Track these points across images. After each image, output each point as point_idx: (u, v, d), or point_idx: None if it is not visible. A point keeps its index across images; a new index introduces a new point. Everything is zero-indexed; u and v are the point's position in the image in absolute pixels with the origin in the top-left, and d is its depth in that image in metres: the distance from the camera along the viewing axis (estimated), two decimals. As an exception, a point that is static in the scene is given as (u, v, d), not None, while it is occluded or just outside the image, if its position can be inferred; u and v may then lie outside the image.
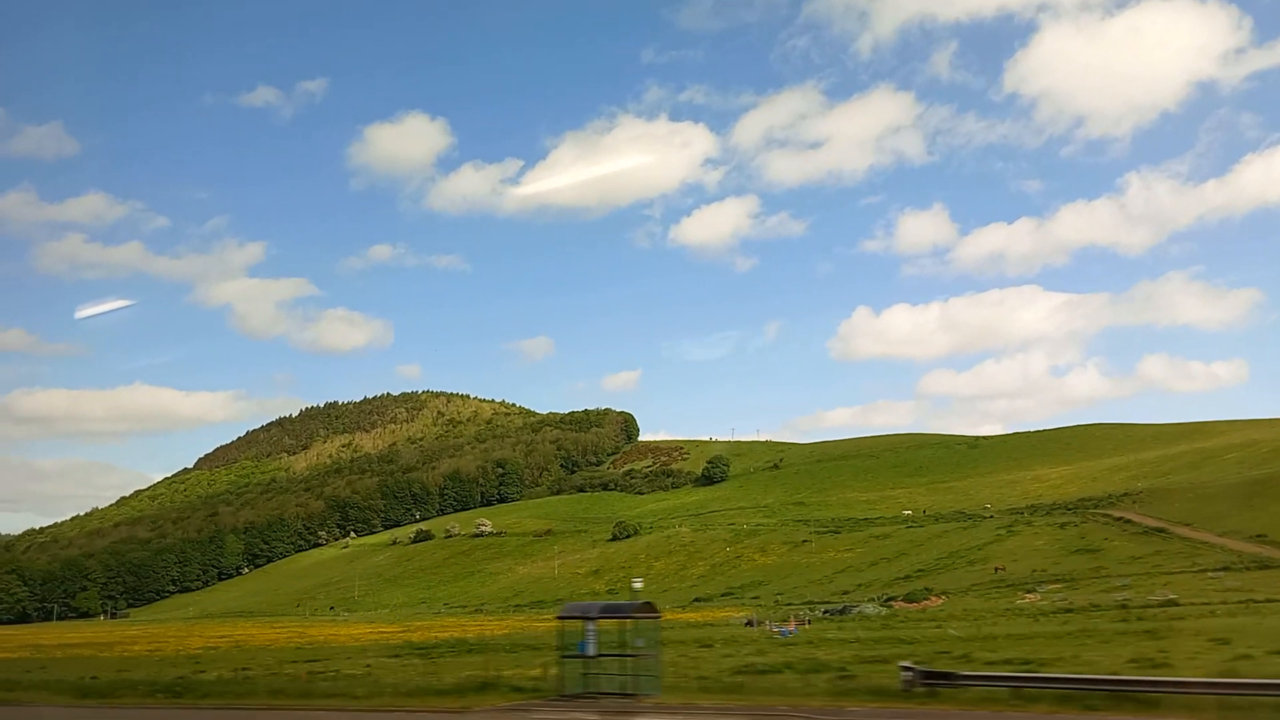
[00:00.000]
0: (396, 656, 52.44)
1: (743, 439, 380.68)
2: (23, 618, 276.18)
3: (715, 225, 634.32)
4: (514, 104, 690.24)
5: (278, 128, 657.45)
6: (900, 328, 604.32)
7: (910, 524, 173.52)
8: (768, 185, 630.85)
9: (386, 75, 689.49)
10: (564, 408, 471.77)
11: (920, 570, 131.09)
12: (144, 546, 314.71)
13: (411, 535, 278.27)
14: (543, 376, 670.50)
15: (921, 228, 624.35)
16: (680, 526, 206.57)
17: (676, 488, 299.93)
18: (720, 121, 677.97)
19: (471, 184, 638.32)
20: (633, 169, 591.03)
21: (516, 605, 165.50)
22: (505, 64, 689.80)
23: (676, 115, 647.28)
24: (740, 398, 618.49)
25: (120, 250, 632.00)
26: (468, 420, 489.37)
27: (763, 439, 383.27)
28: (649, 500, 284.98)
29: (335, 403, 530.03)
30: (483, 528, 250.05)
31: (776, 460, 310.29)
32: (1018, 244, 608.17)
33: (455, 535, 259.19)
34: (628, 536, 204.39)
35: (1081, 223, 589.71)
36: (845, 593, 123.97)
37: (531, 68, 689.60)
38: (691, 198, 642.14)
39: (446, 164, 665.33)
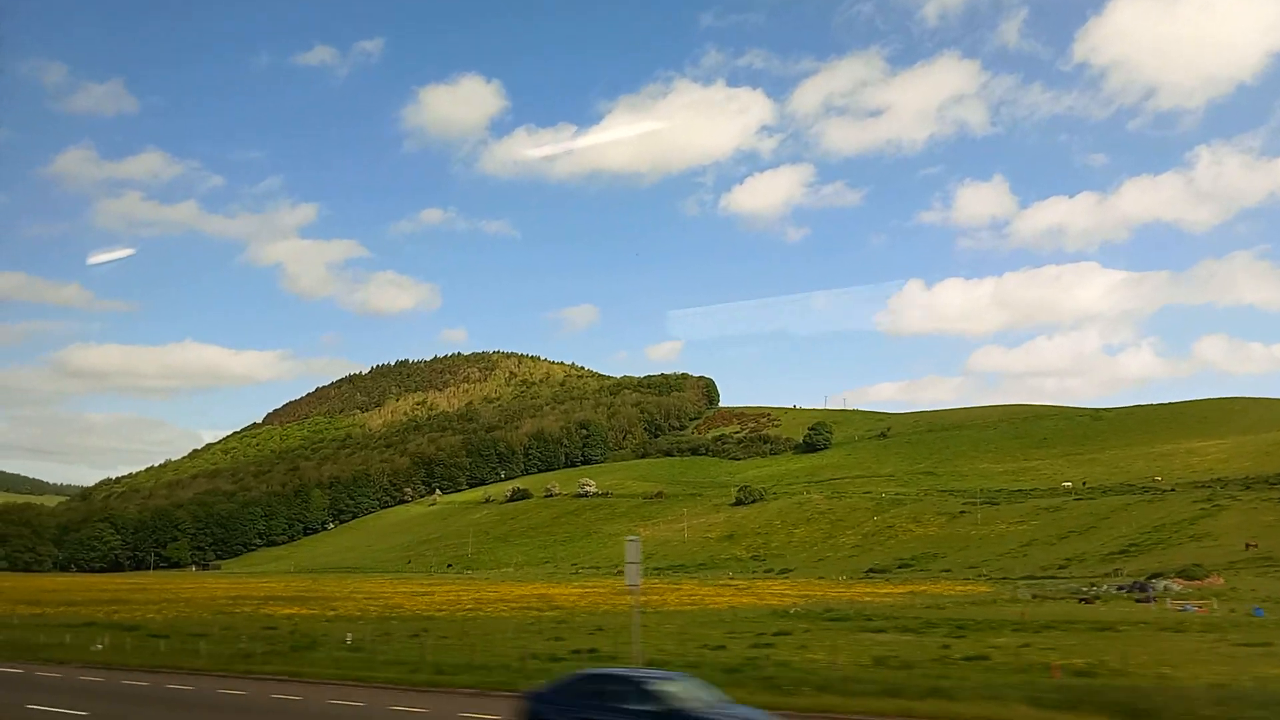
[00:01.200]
0: (865, 626, 41.70)
1: (833, 408, 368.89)
2: (115, 566, 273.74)
3: (768, 194, 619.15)
4: (569, 66, 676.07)
5: (333, 88, 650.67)
6: (952, 302, 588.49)
7: (1077, 496, 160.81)
8: (824, 154, 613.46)
9: (443, 35, 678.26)
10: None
11: (1133, 545, 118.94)
12: (229, 499, 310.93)
13: (507, 493, 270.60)
14: (586, 344, 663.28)
15: (980, 200, 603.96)
16: (808, 493, 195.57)
17: (775, 454, 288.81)
18: (778, 88, 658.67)
19: (524, 148, 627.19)
20: (686, 134, 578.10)
21: (656, 569, 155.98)
22: (562, 25, 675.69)
23: (734, 81, 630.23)
24: (785, 370, 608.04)
25: (176, 209, 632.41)
26: (540, 382, 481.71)
27: (850, 408, 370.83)
28: (748, 466, 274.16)
29: (406, 361, 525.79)
30: (586, 488, 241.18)
31: (879, 429, 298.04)
32: (1078, 219, 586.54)
33: (555, 495, 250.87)
34: (753, 501, 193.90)
35: (1146, 198, 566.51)
36: (1060, 566, 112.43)
37: (588, 30, 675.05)
38: (745, 165, 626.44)
39: (499, 128, 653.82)
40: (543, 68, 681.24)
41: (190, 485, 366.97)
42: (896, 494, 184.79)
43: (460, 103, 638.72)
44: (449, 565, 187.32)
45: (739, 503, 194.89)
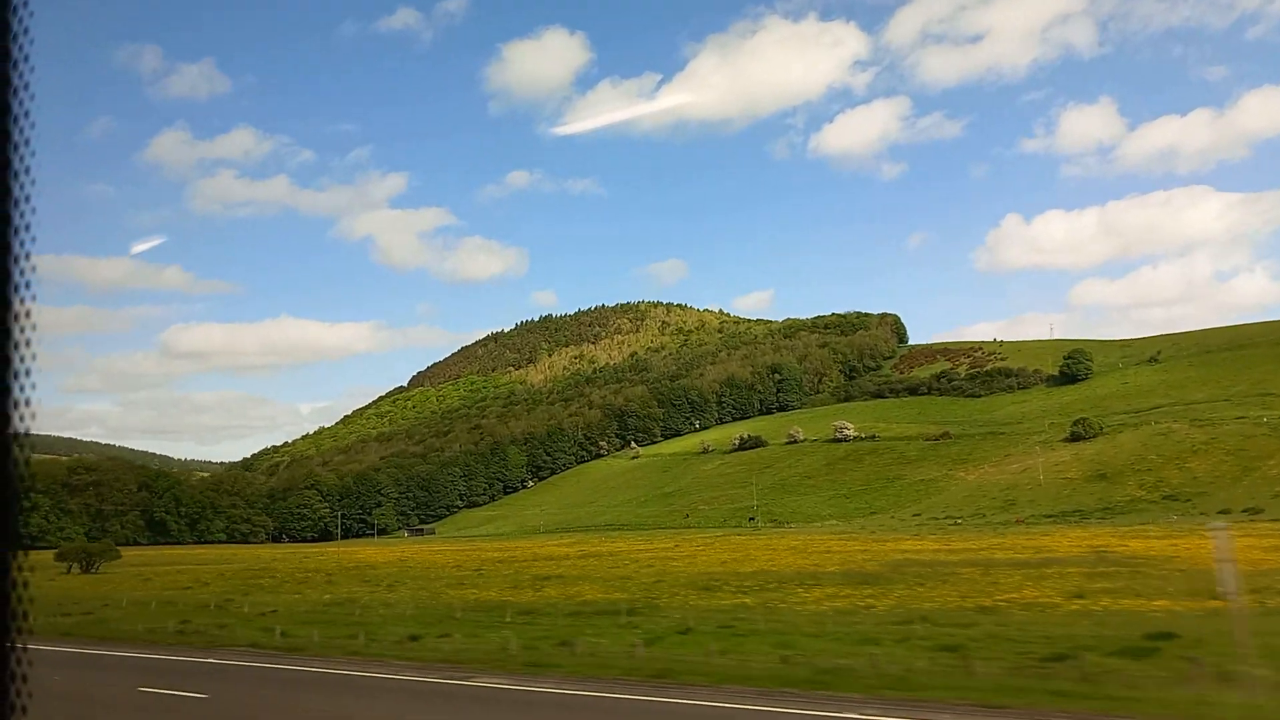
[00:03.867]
0: None
1: (1046, 338, 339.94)
2: (325, 535, 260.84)
3: (861, 131, 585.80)
4: (655, 8, 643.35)
5: (418, 53, 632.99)
6: (1053, 235, 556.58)
7: None
8: (921, 86, 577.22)
9: None
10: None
11: None
12: (423, 460, 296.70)
13: (734, 441, 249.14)
14: (675, 298, 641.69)
15: (1086, 124, 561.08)
16: (1158, 422, 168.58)
17: (1024, 388, 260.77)
18: (873, 18, 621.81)
19: (609, 102, 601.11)
20: (776, 74, 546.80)
21: (1046, 516, 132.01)
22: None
23: (827, 14, 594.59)
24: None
25: (268, 185, 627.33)
26: (697, 329, 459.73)
27: (1058, 338, 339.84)
28: (1003, 402, 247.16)
29: (550, 315, 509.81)
30: (844, 431, 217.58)
31: (1129, 356, 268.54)
32: (1191, 138, 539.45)
33: (800, 440, 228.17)
34: (1093, 436, 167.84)
35: (1268, 109, 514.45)
36: None
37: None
38: (837, 103, 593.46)
39: (584, 82, 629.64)
40: (627, 12, 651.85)
41: (364, 450, 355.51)
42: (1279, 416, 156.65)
43: (544, 57, 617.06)
44: (751, 519, 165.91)
45: (1076, 438, 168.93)
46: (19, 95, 1.69)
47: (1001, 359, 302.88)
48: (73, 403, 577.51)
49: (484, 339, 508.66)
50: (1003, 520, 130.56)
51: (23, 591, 1.67)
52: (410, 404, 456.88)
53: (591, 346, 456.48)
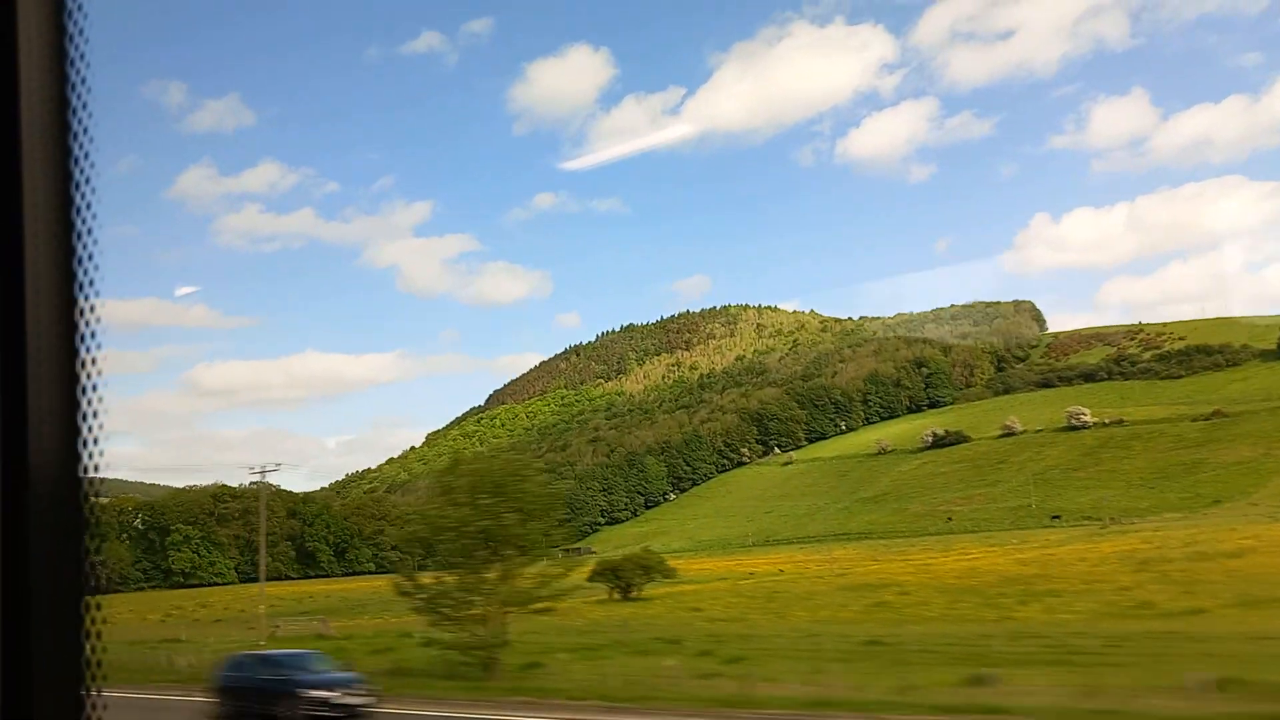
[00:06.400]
0: None
1: (1200, 318, 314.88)
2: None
3: (889, 134, 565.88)
4: (680, 18, 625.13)
5: (443, 76, 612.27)
6: (1081, 234, 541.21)
7: None
8: (950, 86, 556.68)
9: (551, 4, 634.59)
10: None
11: None
12: (555, 475, 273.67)
13: (926, 438, 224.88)
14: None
15: (1118, 117, 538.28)
16: None
17: (1233, 365, 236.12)
18: (901, 18, 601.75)
19: (632, 118, 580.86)
20: (802, 81, 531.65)
21: None
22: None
23: (854, 16, 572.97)
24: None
25: (292, 219, 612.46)
26: (794, 330, 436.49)
27: (1218, 317, 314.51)
28: (1222, 380, 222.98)
29: (632, 324, 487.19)
30: (1081, 417, 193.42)
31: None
32: (1225, 127, 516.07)
33: (1019, 432, 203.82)
34: None
35: None
36: None
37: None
38: (864, 107, 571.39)
39: (608, 99, 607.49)
40: (652, 24, 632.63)
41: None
42: None
43: (569, 75, 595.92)
44: (1055, 517, 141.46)
45: None
46: (81, 189, 1.70)
47: (1180, 338, 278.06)
48: (103, 445, 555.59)
49: (564, 352, 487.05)
50: None
51: (95, 641, 1.64)
52: (498, 421, 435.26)
53: (686, 353, 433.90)
